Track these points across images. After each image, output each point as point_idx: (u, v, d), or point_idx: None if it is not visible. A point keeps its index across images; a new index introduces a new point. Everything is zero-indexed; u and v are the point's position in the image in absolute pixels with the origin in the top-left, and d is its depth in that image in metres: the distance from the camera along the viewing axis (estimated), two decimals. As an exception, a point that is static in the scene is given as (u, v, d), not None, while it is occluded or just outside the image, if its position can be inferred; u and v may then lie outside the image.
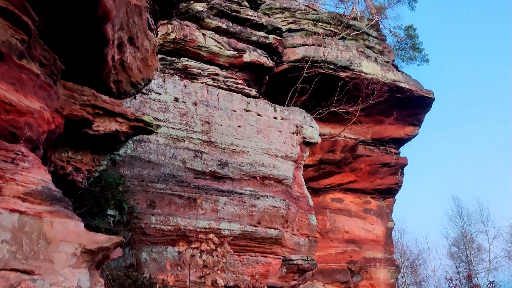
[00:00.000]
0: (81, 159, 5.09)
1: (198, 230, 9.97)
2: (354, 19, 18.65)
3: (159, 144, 10.37)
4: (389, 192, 18.44)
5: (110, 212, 7.78)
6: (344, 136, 17.64)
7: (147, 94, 10.61)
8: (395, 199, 18.98)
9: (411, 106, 17.73)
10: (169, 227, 9.79)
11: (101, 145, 5.27)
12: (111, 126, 5.01)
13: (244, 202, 11.01)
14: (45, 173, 3.76)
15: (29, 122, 3.66)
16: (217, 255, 7.22)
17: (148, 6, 5.01)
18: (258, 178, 11.71)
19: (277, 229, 11.21)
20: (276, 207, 11.36)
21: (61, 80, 4.45)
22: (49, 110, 3.91)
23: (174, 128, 10.84)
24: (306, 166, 16.03)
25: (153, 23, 5.45)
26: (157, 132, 5.94)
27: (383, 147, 18.54)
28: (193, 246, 7.21)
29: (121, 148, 6.98)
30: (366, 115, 17.30)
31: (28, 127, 3.67)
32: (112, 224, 7.90)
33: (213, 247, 7.09)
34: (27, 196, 3.57)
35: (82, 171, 5.13)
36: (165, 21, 9.67)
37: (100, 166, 5.44)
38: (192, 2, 11.85)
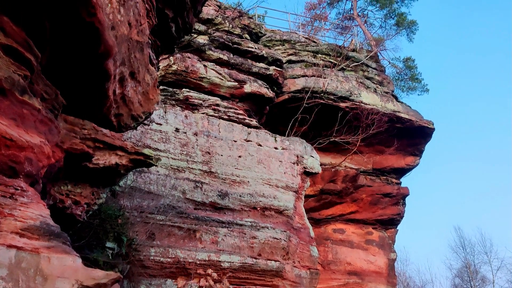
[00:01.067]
0: (80, 192, 5.08)
1: (198, 262, 9.86)
2: (353, 50, 18.94)
3: (159, 174, 10.36)
4: (391, 223, 18.28)
5: (109, 244, 7.71)
6: (345, 166, 17.61)
7: (148, 125, 10.68)
8: (397, 229, 18.80)
9: (411, 136, 17.78)
10: (168, 259, 9.67)
11: (100, 178, 5.27)
12: (111, 160, 5.03)
13: (245, 234, 10.91)
14: (43, 208, 3.74)
15: (29, 157, 3.67)
16: (216, 290, 7.11)
17: (150, 41, 5.11)
18: (258, 209, 11.64)
19: (278, 261, 11.07)
20: (277, 239, 11.25)
21: (62, 114, 4.49)
22: (49, 145, 3.93)
23: (175, 159, 10.85)
24: (307, 196, 15.95)
25: (155, 57, 5.55)
26: (156, 165, 5.94)
27: (384, 177, 18.49)
28: (192, 281, 7.10)
29: (120, 181, 6.97)
30: (367, 145, 17.32)
31: (28, 162, 3.68)
32: (110, 257, 7.82)
33: (211, 283, 6.99)
34: (25, 231, 3.54)
35: (81, 204, 5.11)
36: (167, 55, 9.82)
37: (99, 199, 5.42)
38: (195, 35, 12.08)
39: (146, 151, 5.47)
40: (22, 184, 3.66)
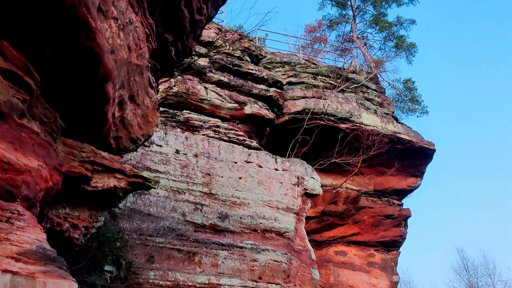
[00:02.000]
0: (78, 215, 5.05)
1: (198, 285, 9.72)
2: (353, 72, 19.09)
3: (159, 196, 10.32)
4: (393, 245, 18.08)
5: (107, 267, 7.64)
6: (346, 188, 17.54)
7: (149, 147, 10.69)
8: (400, 251, 18.58)
9: (412, 157, 17.75)
10: (168, 283, 9.53)
11: (99, 201, 5.24)
12: (109, 182, 5.01)
13: (245, 256, 10.79)
14: (40, 232, 3.71)
15: (26, 180, 3.66)
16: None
17: (150, 65, 5.15)
18: (259, 231, 11.55)
19: (279, 284, 10.92)
20: (278, 262, 11.12)
21: (61, 137, 4.50)
22: (47, 168, 3.92)
23: (175, 181, 10.82)
24: (308, 218, 15.83)
25: (154, 81, 5.58)
26: (155, 188, 5.92)
27: (386, 199, 18.38)
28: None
29: (119, 203, 6.94)
30: (368, 166, 17.28)
31: (26, 186, 3.67)
32: (109, 280, 7.74)
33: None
34: (21, 256, 3.51)
35: (79, 227, 5.07)
36: (167, 78, 9.90)
37: (97, 223, 5.38)
38: (195, 58, 12.19)
39: (145, 173, 5.45)
40: (19, 207, 3.64)
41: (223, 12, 18.53)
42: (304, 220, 13.40)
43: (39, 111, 3.97)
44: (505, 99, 72.38)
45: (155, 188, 6.46)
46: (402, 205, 18.78)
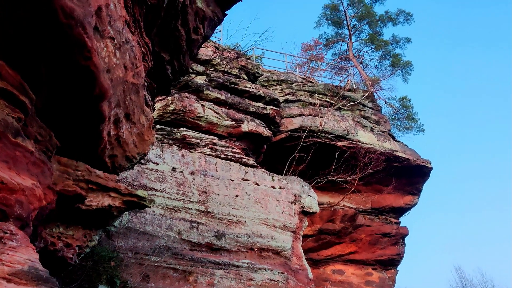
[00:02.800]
0: (72, 234, 5.00)
1: (193, 305, 9.60)
2: (350, 90, 19.17)
3: (155, 214, 10.25)
4: (390, 263, 17.95)
5: (101, 287, 7.54)
6: (344, 206, 17.47)
7: (145, 164, 10.66)
8: (397, 270, 18.44)
9: (409, 175, 17.75)
10: (163, 303, 9.41)
11: (93, 220, 5.19)
12: (104, 201, 4.97)
13: (241, 276, 10.68)
14: (32, 252, 3.66)
15: (20, 199, 3.63)
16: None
17: (146, 83, 5.17)
18: (255, 249, 11.45)
19: (275, 304, 10.79)
20: (274, 281, 11.01)
21: (55, 155, 4.48)
22: (41, 187, 3.90)
23: (171, 198, 10.76)
24: (305, 236, 15.73)
25: (150, 99, 5.60)
26: (150, 207, 5.88)
27: (383, 217, 18.31)
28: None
29: (113, 222, 6.88)
30: (365, 184, 17.26)
31: (19, 205, 3.64)
32: (103, 300, 7.62)
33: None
34: (13, 276, 3.46)
35: (73, 247, 5.02)
36: (163, 97, 9.92)
37: (91, 242, 5.33)
38: (193, 76, 12.26)
39: (140, 192, 5.42)
40: (11, 227, 3.60)
41: (220, 31, 18.72)
42: (301, 239, 13.30)
43: (34, 130, 3.96)
44: (503, 114, 72.73)
45: (150, 207, 6.41)
46: (399, 223, 18.70)
